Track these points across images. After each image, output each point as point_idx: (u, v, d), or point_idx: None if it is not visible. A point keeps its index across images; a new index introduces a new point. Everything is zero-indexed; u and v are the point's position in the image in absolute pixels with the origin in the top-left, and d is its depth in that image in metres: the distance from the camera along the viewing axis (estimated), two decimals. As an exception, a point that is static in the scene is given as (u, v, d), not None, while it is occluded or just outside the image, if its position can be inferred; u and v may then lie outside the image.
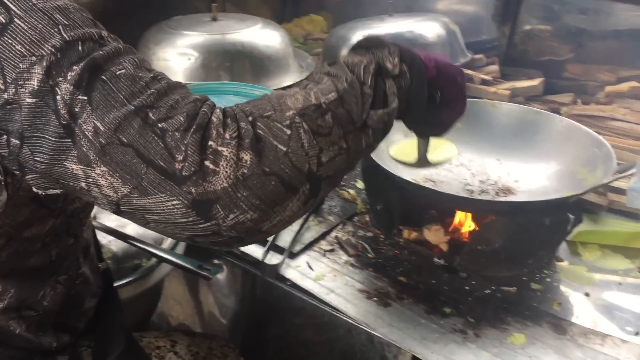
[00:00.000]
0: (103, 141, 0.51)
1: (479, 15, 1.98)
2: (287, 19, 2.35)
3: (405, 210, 1.23)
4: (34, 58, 0.51)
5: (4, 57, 0.51)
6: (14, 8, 0.51)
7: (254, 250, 1.20)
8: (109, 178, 0.52)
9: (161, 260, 1.08)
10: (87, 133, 0.51)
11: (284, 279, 1.14)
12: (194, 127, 0.53)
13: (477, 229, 1.19)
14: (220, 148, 0.53)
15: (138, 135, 0.51)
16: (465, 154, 1.39)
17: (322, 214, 1.32)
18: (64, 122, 0.51)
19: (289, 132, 0.56)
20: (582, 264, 1.19)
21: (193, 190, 0.52)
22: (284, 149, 0.55)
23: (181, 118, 0.53)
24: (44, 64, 0.51)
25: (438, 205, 1.23)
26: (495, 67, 1.81)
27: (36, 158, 0.53)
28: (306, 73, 1.70)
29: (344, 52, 1.74)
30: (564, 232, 1.13)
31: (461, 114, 0.87)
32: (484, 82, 1.74)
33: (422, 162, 1.05)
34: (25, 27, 0.51)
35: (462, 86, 0.84)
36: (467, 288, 1.11)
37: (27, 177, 0.56)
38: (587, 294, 1.10)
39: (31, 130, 0.51)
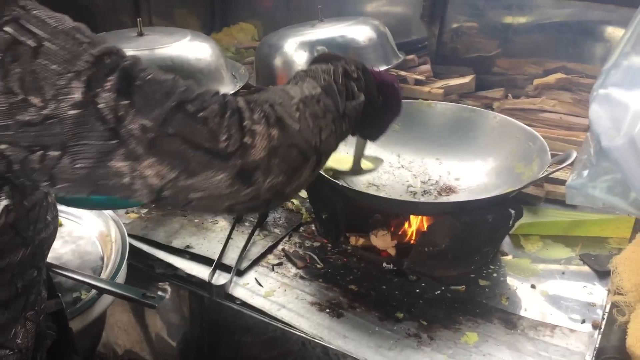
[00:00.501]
0: (151, 136, 0.58)
1: (408, 16, 2.01)
2: (217, 29, 2.32)
3: (350, 218, 1.23)
4: (70, 74, 0.56)
5: (41, 77, 0.55)
6: (39, 32, 0.56)
7: (200, 271, 1.17)
8: (157, 167, 0.59)
9: (102, 291, 1.02)
10: (134, 132, 0.57)
11: (233, 298, 1.11)
12: (229, 112, 0.63)
13: (423, 230, 1.20)
14: (254, 126, 0.63)
15: (183, 125, 0.59)
16: (406, 156, 1.40)
17: (267, 227, 1.30)
18: (110, 126, 0.57)
19: (297, 114, 0.70)
20: (525, 256, 1.22)
21: (238, 162, 0.62)
22: (298, 126, 0.68)
23: (215, 107, 0.62)
24: (83, 78, 0.56)
25: (383, 210, 1.23)
26: (427, 67, 1.84)
27: (76, 165, 0.58)
28: (240, 84, 1.66)
29: (277, 60, 1.73)
30: (507, 227, 1.15)
31: (397, 115, 0.99)
32: (418, 82, 1.76)
33: (356, 168, 1.18)
34: (56, 49, 0.56)
35: (399, 91, 0.97)
36: (417, 291, 1.11)
37: (56, 186, 0.61)
38: (533, 286, 1.13)
39: (75, 139, 0.56)
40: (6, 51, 0.55)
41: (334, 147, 0.79)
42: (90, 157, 0.57)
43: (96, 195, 0.62)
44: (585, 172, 0.83)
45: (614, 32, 1.64)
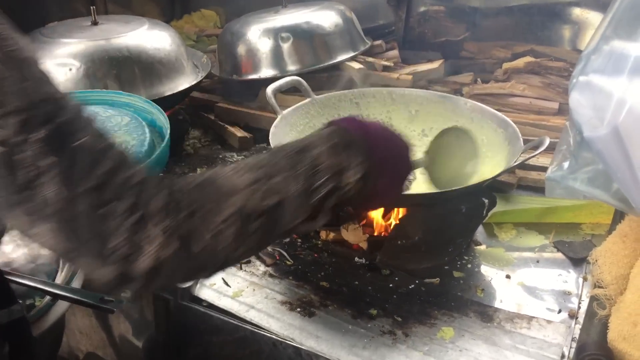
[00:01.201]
0: (59, 206, 0.54)
1: (374, 0, 1.96)
2: (177, 16, 2.24)
3: (320, 211, 1.18)
4: (6, 109, 0.52)
5: None
6: None
7: (163, 272, 1.11)
8: (53, 234, 0.55)
9: (56, 297, 0.96)
10: (47, 194, 0.53)
11: (200, 300, 1.06)
12: (135, 216, 0.56)
13: (395, 223, 1.16)
14: (153, 234, 0.56)
15: (88, 211, 0.54)
16: (375, 145, 1.36)
17: (234, 223, 1.25)
18: (31, 176, 0.53)
19: (218, 228, 0.61)
20: (499, 245, 1.19)
21: (121, 269, 0.56)
22: (204, 245, 0.60)
23: (124, 205, 0.56)
24: (19, 118, 0.52)
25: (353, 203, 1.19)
26: (395, 52, 1.80)
27: None
28: (202, 73, 1.60)
29: (241, 48, 1.66)
30: (481, 216, 1.12)
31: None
32: (386, 69, 1.72)
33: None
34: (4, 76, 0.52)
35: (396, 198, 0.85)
36: (391, 285, 1.08)
37: None
38: (507, 276, 1.10)
39: None
40: None
41: (247, 256, 0.76)
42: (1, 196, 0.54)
43: None
44: (566, 164, 0.80)
45: (582, 14, 1.62)
